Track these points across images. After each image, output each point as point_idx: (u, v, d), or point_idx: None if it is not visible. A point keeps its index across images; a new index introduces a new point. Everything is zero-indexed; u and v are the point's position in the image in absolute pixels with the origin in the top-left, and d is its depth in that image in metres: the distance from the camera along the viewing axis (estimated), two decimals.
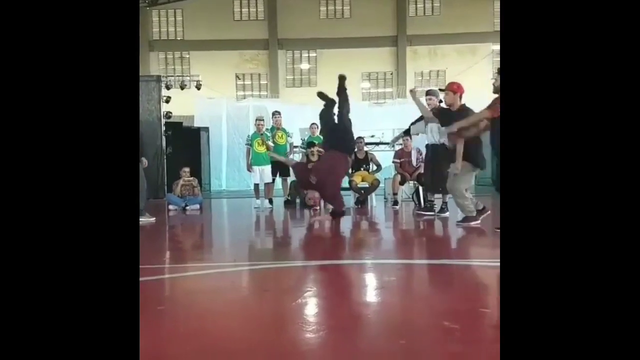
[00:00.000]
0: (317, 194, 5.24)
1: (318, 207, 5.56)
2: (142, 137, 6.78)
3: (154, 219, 6.41)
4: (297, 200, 8.15)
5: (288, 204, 8.19)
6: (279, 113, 8.36)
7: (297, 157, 8.77)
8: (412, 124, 6.77)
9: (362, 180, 7.82)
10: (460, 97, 4.99)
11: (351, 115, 9.29)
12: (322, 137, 6.63)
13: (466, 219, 5.15)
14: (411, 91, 5.88)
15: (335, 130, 5.63)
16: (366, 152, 8.07)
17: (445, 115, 5.28)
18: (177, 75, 14.62)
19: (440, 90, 5.48)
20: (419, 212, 6.56)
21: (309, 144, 7.69)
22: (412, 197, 7.76)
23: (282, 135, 8.12)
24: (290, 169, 6.05)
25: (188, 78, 13.14)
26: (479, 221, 5.10)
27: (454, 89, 5.07)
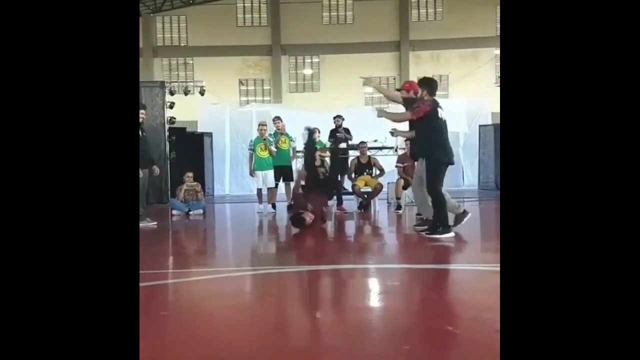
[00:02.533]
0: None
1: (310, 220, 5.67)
2: (149, 145, 6.79)
3: (155, 223, 6.42)
4: None
5: (291, 208, 8.19)
6: (280, 118, 8.37)
7: (299, 162, 8.76)
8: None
9: (365, 185, 7.82)
10: (415, 93, 5.14)
11: (354, 120, 9.28)
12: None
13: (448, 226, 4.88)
14: (365, 80, 6.01)
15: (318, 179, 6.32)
16: (369, 156, 8.07)
17: (409, 103, 5.41)
18: (181, 81, 14.68)
19: (397, 90, 5.67)
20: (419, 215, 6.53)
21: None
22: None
23: (285, 140, 8.14)
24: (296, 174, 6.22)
25: (192, 84, 13.20)
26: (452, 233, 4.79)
27: (406, 87, 5.45)
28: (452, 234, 4.64)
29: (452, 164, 4.94)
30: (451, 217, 4.94)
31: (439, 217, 4.75)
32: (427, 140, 4.74)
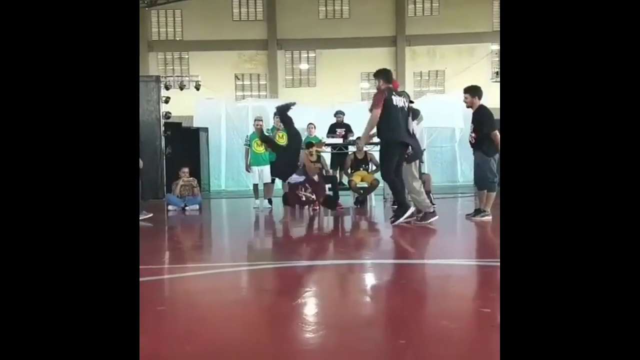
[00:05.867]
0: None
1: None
2: (140, 138, 6.93)
3: (151, 215, 6.48)
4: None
5: (287, 204, 8.18)
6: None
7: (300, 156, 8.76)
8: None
9: (362, 180, 7.82)
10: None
11: (350, 115, 9.24)
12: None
13: (425, 217, 5.22)
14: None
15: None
16: (365, 152, 8.06)
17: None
18: (176, 76, 14.59)
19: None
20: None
21: (308, 144, 7.69)
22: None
23: (282, 135, 8.12)
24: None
25: (187, 78, 13.12)
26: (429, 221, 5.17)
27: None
28: (409, 214, 5.01)
29: (405, 144, 5.13)
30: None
31: (397, 201, 5.16)
32: (381, 124, 5.07)
